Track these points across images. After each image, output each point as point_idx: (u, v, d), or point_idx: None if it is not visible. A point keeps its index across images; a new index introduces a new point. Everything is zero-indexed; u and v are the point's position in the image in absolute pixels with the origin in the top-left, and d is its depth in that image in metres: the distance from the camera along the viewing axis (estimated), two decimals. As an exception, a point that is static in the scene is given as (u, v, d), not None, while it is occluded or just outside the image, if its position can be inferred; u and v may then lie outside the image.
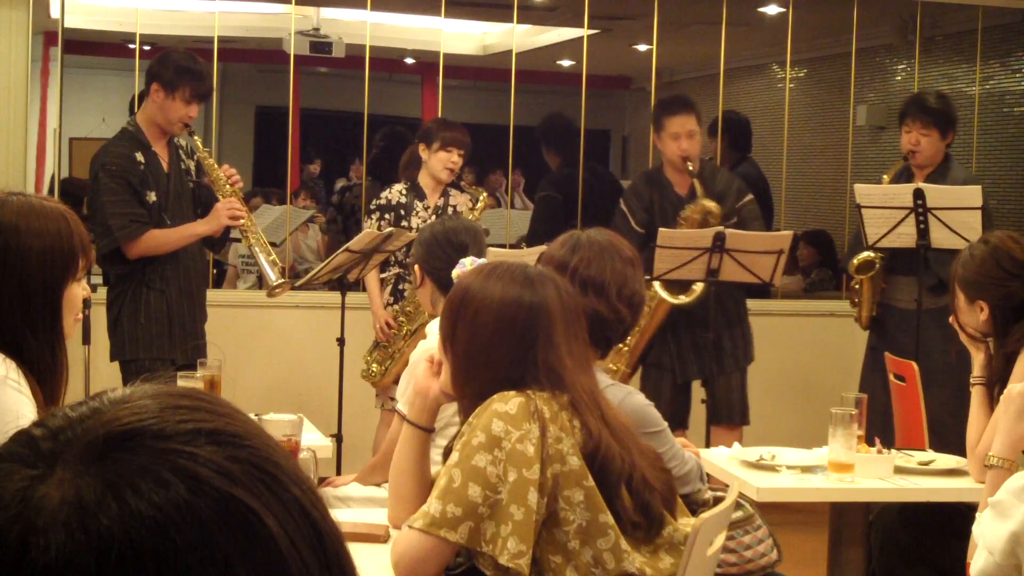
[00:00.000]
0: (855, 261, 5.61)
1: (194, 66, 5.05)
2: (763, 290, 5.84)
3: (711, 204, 5.41)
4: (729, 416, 5.55)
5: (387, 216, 5.62)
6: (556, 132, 7.30)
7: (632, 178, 5.97)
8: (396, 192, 5.71)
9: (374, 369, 5.50)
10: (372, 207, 5.76)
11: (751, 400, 5.70)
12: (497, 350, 2.54)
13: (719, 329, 5.51)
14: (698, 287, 5.36)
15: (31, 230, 2.44)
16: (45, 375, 2.45)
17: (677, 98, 5.75)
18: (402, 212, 5.63)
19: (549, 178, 7.24)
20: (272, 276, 5.07)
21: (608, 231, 3.14)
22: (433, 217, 5.56)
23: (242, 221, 5.03)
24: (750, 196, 5.64)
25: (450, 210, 5.61)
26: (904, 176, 5.67)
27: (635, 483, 2.50)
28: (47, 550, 0.67)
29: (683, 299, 5.40)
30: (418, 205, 5.65)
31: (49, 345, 2.46)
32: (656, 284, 5.34)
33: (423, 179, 5.70)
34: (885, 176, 5.68)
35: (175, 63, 5.03)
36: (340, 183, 9.63)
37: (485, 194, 5.88)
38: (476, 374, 2.57)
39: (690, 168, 5.46)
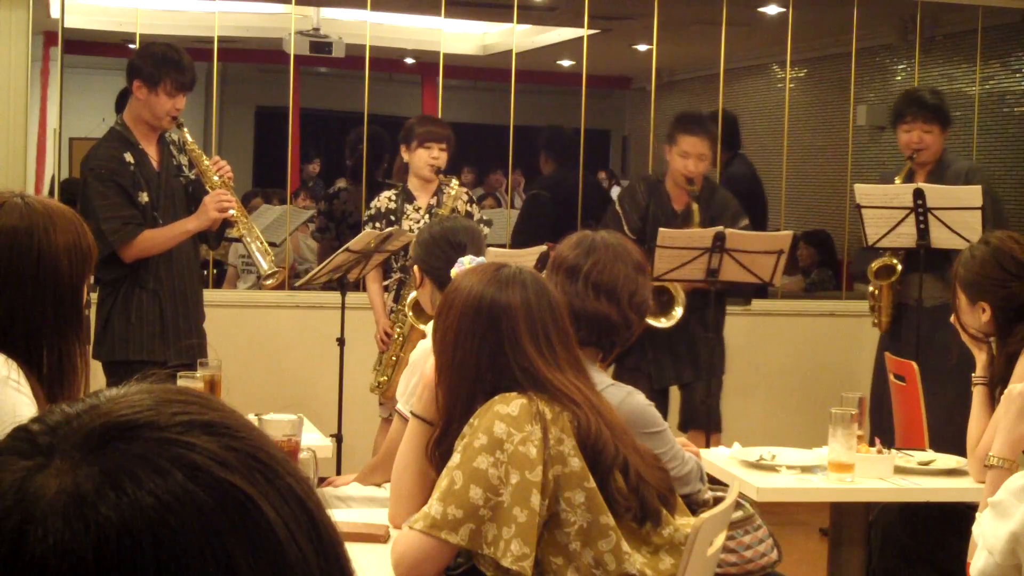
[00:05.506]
0: (873, 266, 5.57)
1: (174, 55, 4.90)
2: (762, 290, 5.78)
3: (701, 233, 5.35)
4: (706, 421, 5.48)
5: (378, 224, 5.53)
6: (560, 142, 7.42)
7: (631, 179, 5.92)
8: (384, 199, 5.62)
9: (380, 380, 5.40)
10: (365, 217, 5.70)
11: (750, 400, 5.69)
12: (462, 348, 2.54)
13: (696, 336, 5.49)
14: (678, 313, 5.32)
15: (59, 230, 2.44)
16: (70, 376, 2.44)
17: (696, 119, 5.64)
18: (392, 218, 5.55)
19: (541, 180, 7.38)
20: (264, 265, 4.93)
21: (619, 235, 3.14)
22: (426, 217, 5.49)
23: (231, 212, 4.90)
24: (745, 221, 5.58)
25: (444, 208, 5.51)
26: (911, 176, 5.62)
27: (630, 473, 2.50)
28: (45, 539, 0.67)
29: (664, 323, 5.36)
30: (408, 208, 5.56)
31: (75, 345, 2.46)
32: None
33: (411, 180, 5.62)
34: (897, 178, 5.57)
35: (153, 55, 4.90)
36: (339, 184, 9.56)
37: (455, 182, 5.68)
38: (448, 371, 2.58)
39: (691, 188, 5.45)
